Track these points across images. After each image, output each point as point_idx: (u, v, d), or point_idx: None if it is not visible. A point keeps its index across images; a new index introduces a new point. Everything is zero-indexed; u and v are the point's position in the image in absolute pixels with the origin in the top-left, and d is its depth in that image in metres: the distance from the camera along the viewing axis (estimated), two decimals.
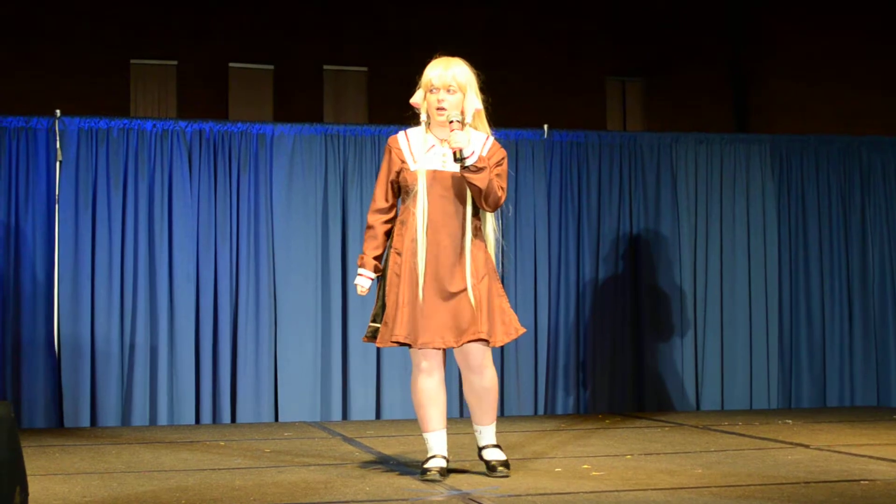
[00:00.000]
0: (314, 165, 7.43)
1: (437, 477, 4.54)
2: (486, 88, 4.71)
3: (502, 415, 7.46)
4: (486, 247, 4.69)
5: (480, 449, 4.75)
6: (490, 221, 4.74)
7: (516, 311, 5.52)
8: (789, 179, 8.17)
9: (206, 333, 7.20)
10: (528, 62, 16.50)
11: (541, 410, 7.62)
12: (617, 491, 4.27)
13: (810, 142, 8.27)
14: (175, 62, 15.82)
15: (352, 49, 16.26)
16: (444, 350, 4.63)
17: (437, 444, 4.67)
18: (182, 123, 7.29)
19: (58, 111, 7.13)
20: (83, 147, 7.10)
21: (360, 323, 7.36)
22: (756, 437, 6.06)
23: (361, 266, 4.71)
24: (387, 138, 7.57)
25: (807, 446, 5.64)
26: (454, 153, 4.50)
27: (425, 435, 4.70)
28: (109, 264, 7.08)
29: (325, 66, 16.29)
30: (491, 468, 4.65)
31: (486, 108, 4.72)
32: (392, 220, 4.74)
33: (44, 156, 7.06)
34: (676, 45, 17.12)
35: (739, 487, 4.34)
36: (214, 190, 7.29)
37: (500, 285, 4.70)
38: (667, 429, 6.57)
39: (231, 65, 16.00)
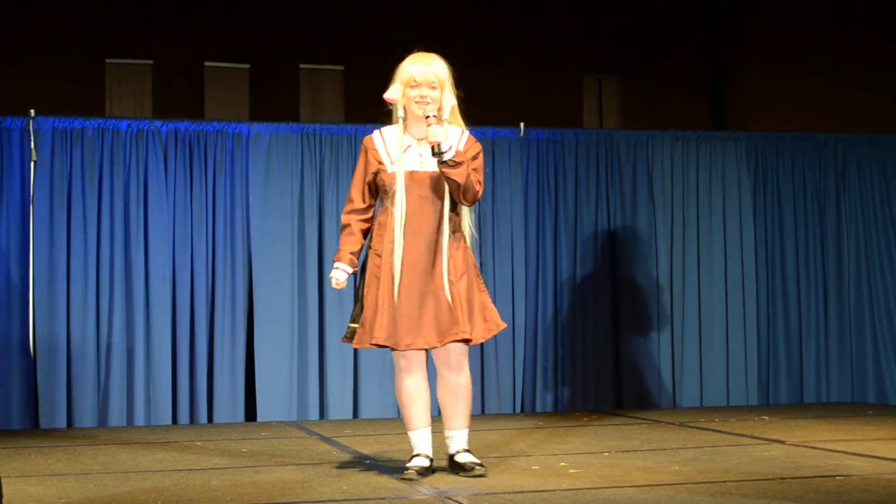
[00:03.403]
0: (291, 164, 7.41)
1: (415, 476, 4.53)
2: (461, 85, 4.72)
3: (482, 413, 7.46)
4: (464, 243, 4.68)
5: (451, 456, 4.68)
6: (467, 217, 4.74)
7: None
8: (765, 176, 8.20)
9: (183, 333, 7.17)
10: (505, 60, 16.51)
11: (519, 408, 7.62)
12: (594, 488, 4.28)
13: (786, 139, 8.30)
14: (151, 61, 15.76)
15: (328, 48, 16.23)
16: (425, 350, 4.63)
17: (421, 442, 4.66)
18: (157, 123, 7.26)
19: (32, 111, 7.08)
20: (58, 147, 7.06)
21: (336, 321, 7.35)
22: (733, 434, 6.08)
23: (338, 260, 4.71)
24: (364, 137, 7.60)
25: (783, 442, 5.67)
26: (432, 147, 4.49)
27: (410, 433, 4.70)
28: (85, 264, 7.04)
29: (302, 65, 16.26)
30: (467, 468, 4.59)
31: (460, 105, 4.72)
32: (369, 220, 4.74)
33: (18, 156, 7.01)
34: (653, 43, 17.16)
35: (716, 484, 4.35)
36: (190, 189, 7.26)
37: (481, 281, 4.71)
38: (644, 426, 6.59)
39: (207, 64, 15.94)
